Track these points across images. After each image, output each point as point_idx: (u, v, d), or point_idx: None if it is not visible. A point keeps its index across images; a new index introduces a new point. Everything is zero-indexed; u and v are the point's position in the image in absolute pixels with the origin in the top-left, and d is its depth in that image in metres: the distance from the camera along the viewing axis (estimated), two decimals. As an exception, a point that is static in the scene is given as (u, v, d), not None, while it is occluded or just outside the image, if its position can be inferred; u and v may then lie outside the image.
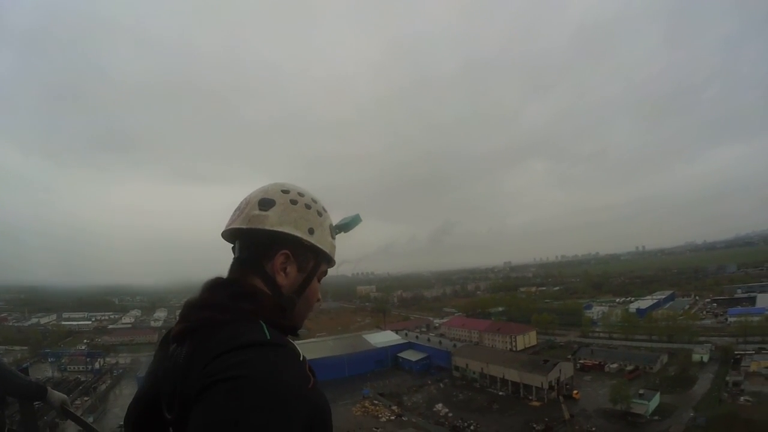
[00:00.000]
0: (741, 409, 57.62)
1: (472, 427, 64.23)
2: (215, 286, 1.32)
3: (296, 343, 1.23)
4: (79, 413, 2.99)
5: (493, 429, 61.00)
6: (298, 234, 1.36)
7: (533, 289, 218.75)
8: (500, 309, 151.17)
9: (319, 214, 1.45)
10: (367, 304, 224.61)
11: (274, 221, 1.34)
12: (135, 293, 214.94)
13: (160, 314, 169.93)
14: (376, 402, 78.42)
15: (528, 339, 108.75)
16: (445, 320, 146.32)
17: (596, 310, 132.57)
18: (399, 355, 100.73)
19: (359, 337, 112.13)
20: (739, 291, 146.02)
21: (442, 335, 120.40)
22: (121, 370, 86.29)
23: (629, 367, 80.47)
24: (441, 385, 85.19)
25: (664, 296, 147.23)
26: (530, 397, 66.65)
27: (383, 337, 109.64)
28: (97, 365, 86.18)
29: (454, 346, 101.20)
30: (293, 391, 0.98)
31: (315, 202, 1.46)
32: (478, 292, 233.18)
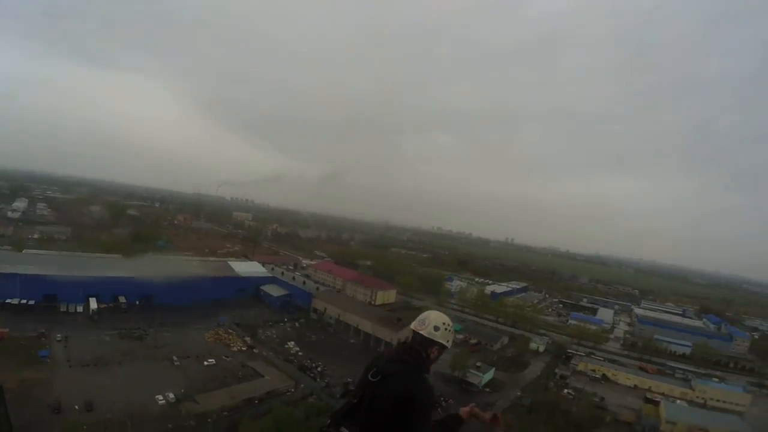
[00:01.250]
0: (562, 400, 64.54)
1: (319, 368, 65.44)
2: (406, 348, 3.97)
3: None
4: None
5: (338, 373, 62.66)
6: (446, 344, 4.02)
7: (404, 251, 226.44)
8: (368, 263, 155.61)
9: (452, 333, 4.17)
10: (239, 231, 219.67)
11: (440, 337, 3.97)
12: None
13: (20, 204, 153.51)
14: (230, 331, 76.73)
15: (388, 296, 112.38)
16: (314, 262, 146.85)
17: (456, 284, 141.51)
18: (261, 287, 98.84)
19: (225, 264, 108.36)
20: (584, 300, 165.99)
21: (307, 276, 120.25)
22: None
23: (473, 341, 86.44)
24: (297, 324, 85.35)
25: (518, 287, 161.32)
26: (379, 350, 68.30)
27: (249, 267, 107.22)
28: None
29: (317, 289, 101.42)
30: (432, 408, 3.60)
31: (453, 327, 4.23)
32: (352, 243, 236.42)
